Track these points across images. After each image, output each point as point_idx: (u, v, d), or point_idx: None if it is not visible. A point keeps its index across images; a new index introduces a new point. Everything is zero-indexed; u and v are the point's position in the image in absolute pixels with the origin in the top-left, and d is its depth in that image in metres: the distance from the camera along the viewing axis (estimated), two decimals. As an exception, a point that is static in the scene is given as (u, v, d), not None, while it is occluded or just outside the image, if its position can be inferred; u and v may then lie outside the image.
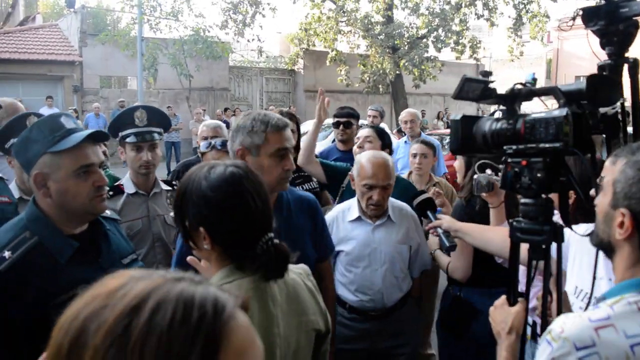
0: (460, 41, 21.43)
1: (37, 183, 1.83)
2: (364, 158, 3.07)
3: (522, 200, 1.72)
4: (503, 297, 1.78)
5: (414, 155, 4.37)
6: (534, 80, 1.75)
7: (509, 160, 1.71)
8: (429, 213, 2.93)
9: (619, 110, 1.81)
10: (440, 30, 21.06)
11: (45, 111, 16.01)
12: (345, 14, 20.91)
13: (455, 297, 3.08)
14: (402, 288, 3.10)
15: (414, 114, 6.65)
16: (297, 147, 3.59)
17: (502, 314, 1.71)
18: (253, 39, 21.61)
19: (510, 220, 1.75)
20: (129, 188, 3.13)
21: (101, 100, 18.58)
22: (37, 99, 16.95)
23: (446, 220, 2.80)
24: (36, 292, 1.72)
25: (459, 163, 3.30)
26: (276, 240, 1.59)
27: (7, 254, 1.74)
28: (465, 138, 1.78)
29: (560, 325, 1.30)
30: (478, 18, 21.56)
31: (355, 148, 4.00)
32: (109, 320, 0.64)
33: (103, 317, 0.65)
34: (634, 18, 1.91)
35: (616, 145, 1.79)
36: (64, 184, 1.82)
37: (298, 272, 1.78)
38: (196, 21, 18.12)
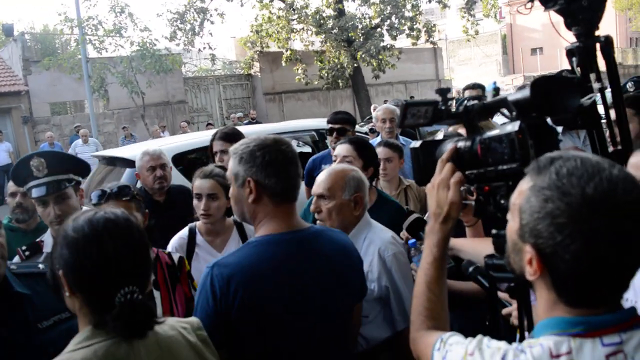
0: (415, 26, 21.32)
1: None
2: None
3: (493, 232, 1.43)
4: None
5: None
6: (496, 90, 1.43)
7: (473, 186, 1.46)
8: (421, 234, 2.60)
9: (596, 98, 1.54)
10: (393, 18, 21.00)
11: (-5, 146, 15.40)
12: (296, 12, 20.65)
13: None
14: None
15: (392, 111, 5.36)
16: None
17: (440, 198, 1.49)
18: (204, 47, 21.18)
19: (485, 257, 1.47)
20: (49, 246, 2.72)
21: (54, 128, 17.83)
22: (-15, 134, 16.20)
23: None
24: None
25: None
26: (138, 295, 1.45)
27: None
28: (428, 166, 1.55)
29: None
30: (429, 1, 21.59)
31: None
32: None
33: None
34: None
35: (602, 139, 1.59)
36: None
37: (181, 326, 1.64)
38: (141, 36, 17.44)
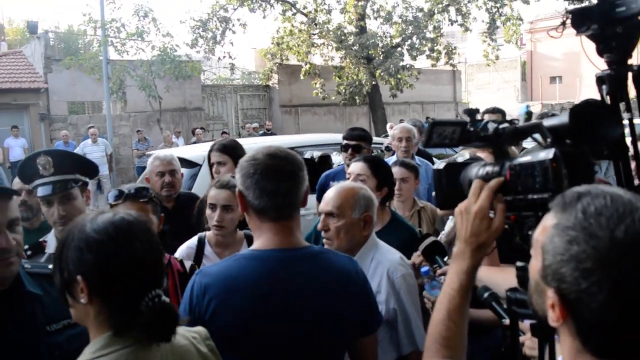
0: (435, 48, 21.24)
1: None
2: None
3: (517, 264, 1.34)
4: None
5: None
6: (528, 114, 1.36)
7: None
8: (437, 258, 2.50)
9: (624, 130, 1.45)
10: (414, 38, 20.91)
11: (11, 142, 15.52)
12: (318, 26, 20.66)
13: None
14: None
15: (409, 130, 5.20)
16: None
17: (477, 225, 1.38)
18: (224, 56, 21.27)
19: (506, 290, 1.39)
20: (52, 246, 2.69)
21: (70, 127, 17.92)
22: (2, 129, 16.33)
23: None
24: None
25: None
26: (165, 298, 1.44)
27: None
28: (451, 190, 1.46)
29: None
30: (452, 24, 21.48)
31: None
32: None
33: None
34: (635, 18, 1.52)
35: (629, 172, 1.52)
36: None
37: (191, 335, 1.61)
38: (163, 41, 17.55)
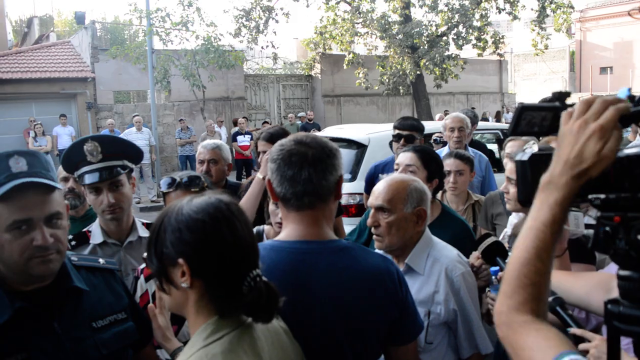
0: (482, 37, 20.77)
1: None
2: None
3: (620, 272, 1.13)
4: None
5: (448, 173, 3.76)
6: (631, 98, 1.15)
7: (598, 214, 1.16)
8: (499, 260, 2.33)
9: None
10: (460, 27, 20.50)
11: (59, 130, 15.84)
12: (361, 15, 20.42)
13: None
14: None
15: (462, 119, 4.94)
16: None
17: (588, 146, 1.11)
18: (267, 46, 21.24)
19: (605, 301, 1.17)
20: (97, 237, 2.60)
21: (115, 116, 18.24)
22: (51, 117, 16.71)
23: None
24: None
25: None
26: (264, 278, 1.42)
27: None
28: (537, 183, 1.25)
29: None
30: (499, 12, 20.90)
31: None
32: None
33: None
34: None
35: None
36: None
37: None
38: (207, 30, 17.54)
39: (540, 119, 1.23)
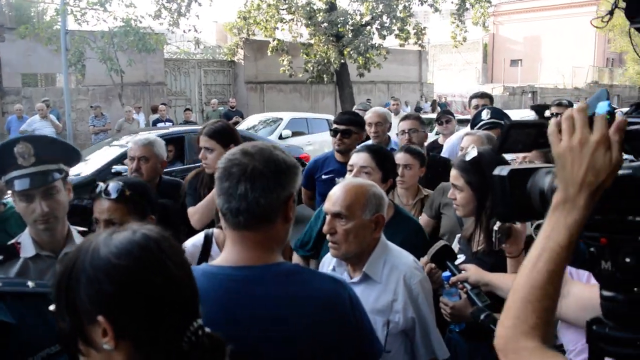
0: (405, 28, 21.18)
1: None
2: None
3: (603, 293, 1.14)
4: None
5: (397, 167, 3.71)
6: (610, 113, 1.08)
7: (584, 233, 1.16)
8: (449, 264, 2.32)
9: None
10: (384, 17, 20.79)
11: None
12: (287, 2, 20.28)
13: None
14: None
15: (382, 114, 4.84)
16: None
17: (600, 160, 1.08)
18: (189, 30, 20.55)
19: (588, 321, 1.17)
20: (28, 249, 2.30)
21: (24, 101, 16.98)
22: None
23: (472, 272, 2.26)
24: None
25: (464, 195, 2.67)
26: (207, 329, 1.21)
27: None
28: (518, 200, 1.24)
29: None
30: (422, 4, 21.51)
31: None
32: None
33: None
34: None
35: None
36: None
37: None
38: (126, 11, 16.72)
39: (524, 136, 1.20)
